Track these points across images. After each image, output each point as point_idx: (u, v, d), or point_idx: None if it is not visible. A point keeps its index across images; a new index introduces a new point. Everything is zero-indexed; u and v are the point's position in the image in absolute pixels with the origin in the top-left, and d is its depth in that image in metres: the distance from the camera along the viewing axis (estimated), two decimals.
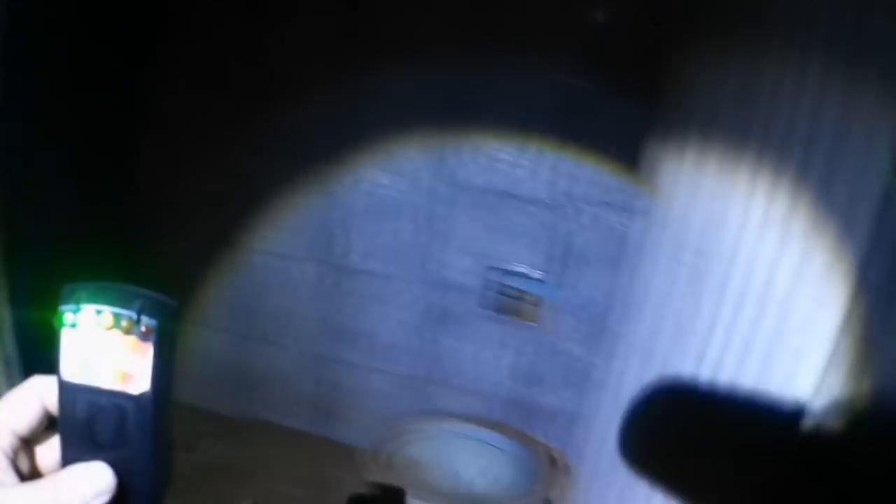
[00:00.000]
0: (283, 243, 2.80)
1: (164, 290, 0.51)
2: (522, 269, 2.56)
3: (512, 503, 2.12)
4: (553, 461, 2.35)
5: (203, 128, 2.70)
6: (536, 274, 2.55)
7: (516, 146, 2.43)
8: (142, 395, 0.50)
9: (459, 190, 2.53)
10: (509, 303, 2.64)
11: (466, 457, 2.56)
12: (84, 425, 0.50)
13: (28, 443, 0.53)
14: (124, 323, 0.48)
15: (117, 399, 0.50)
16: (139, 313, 0.49)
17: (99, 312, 0.49)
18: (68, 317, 0.49)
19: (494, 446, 2.51)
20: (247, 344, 3.00)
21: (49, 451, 0.54)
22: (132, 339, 0.49)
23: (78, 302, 0.48)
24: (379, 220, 2.65)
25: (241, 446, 2.90)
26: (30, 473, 0.52)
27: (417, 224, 2.62)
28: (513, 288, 2.61)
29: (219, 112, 2.66)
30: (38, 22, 2.13)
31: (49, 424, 0.53)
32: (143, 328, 0.49)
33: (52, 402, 0.51)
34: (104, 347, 0.49)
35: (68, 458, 0.51)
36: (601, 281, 2.48)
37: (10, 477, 0.49)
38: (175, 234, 2.86)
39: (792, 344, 0.77)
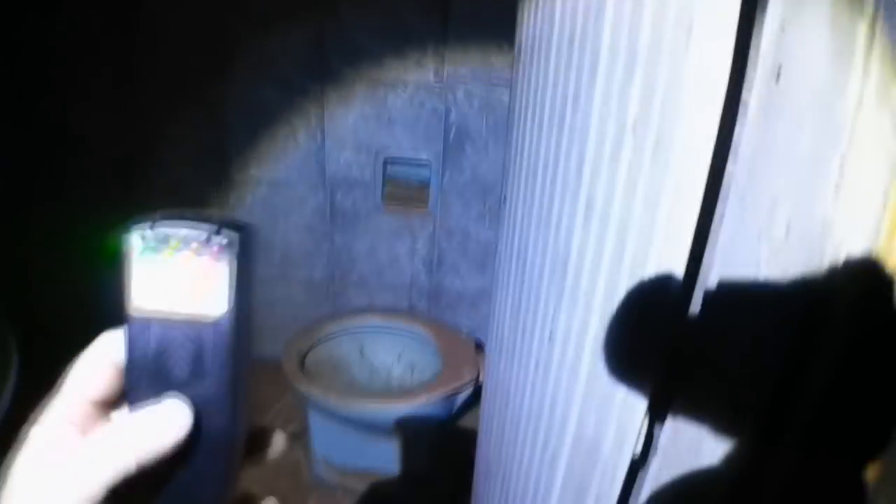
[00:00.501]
0: (178, 168, 2.67)
1: None
2: (409, 155, 2.52)
3: (426, 389, 2.13)
4: (462, 344, 2.37)
5: None
6: (422, 157, 2.51)
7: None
8: (219, 321, 0.45)
9: (333, 85, 2.45)
10: (400, 192, 2.61)
11: (381, 348, 2.57)
12: (155, 362, 0.45)
13: (106, 407, 0.47)
14: (197, 243, 0.44)
15: (192, 328, 0.45)
16: (213, 231, 0.44)
17: (168, 234, 0.44)
18: (135, 241, 0.44)
19: (406, 334, 2.52)
20: None
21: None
22: (206, 259, 0.44)
23: (144, 226, 0.43)
24: (265, 126, 2.55)
25: None
26: None
27: (301, 124, 2.53)
28: (401, 177, 2.58)
29: None
30: None
31: None
32: (217, 246, 0.44)
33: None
34: (176, 271, 0.44)
35: (137, 401, 0.46)
36: (487, 159, 2.47)
37: None
38: None
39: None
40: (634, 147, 0.79)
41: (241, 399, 0.47)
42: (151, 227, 0.43)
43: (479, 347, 2.39)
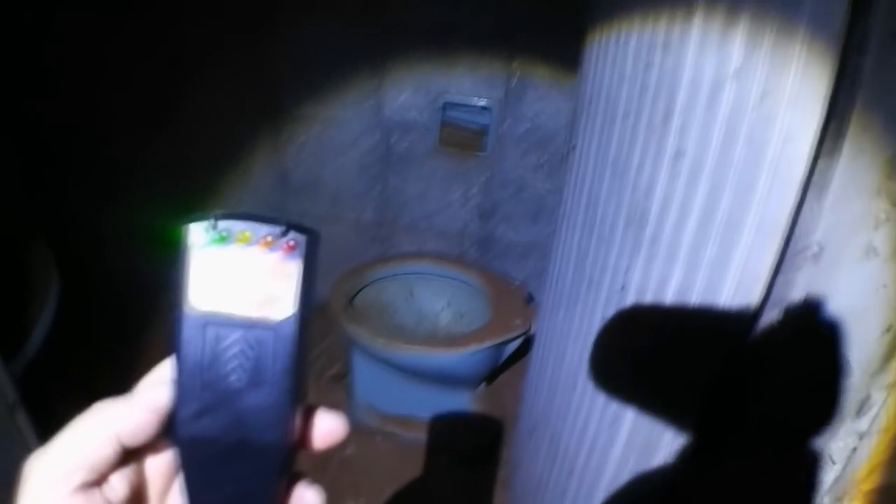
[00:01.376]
0: (224, 102, 2.65)
1: None
2: (468, 99, 2.48)
3: (475, 336, 2.12)
4: (512, 293, 2.35)
5: None
6: (481, 102, 2.47)
7: None
8: (284, 323, 0.42)
9: (395, 24, 2.40)
10: (457, 137, 2.57)
11: (429, 294, 2.56)
12: (211, 366, 0.42)
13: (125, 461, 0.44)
14: (266, 238, 0.41)
15: (254, 329, 0.42)
16: (281, 230, 0.41)
17: (236, 227, 0.41)
18: (198, 232, 0.41)
19: (456, 281, 2.50)
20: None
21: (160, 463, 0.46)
22: (275, 255, 0.42)
23: (207, 218, 0.41)
24: (322, 65, 2.52)
25: None
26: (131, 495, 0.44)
27: (360, 63, 2.50)
28: (459, 120, 2.54)
29: None
30: None
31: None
32: (289, 243, 0.42)
33: (125, 430, 0.42)
34: (241, 267, 0.41)
35: (187, 412, 0.42)
36: (549, 107, 2.43)
37: None
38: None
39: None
40: (736, 96, 0.75)
41: (298, 410, 0.44)
42: (216, 219, 0.41)
43: (529, 299, 2.37)
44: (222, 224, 0.41)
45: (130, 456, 0.44)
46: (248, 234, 0.41)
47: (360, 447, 2.35)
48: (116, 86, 2.61)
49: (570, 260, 1.45)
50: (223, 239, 0.41)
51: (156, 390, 0.43)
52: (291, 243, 0.42)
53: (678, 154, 0.86)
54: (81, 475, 0.40)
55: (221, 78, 2.57)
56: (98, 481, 0.42)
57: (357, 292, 2.39)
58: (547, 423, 1.53)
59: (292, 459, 0.45)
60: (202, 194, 2.87)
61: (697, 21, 0.85)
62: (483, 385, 2.42)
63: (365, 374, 2.35)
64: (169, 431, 0.43)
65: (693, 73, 0.85)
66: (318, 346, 2.77)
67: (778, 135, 0.67)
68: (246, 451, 0.43)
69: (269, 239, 0.41)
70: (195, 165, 2.77)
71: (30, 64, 2.56)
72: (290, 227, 0.41)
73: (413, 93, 2.48)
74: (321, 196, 2.79)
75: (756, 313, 0.73)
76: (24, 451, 1.28)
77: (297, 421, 0.44)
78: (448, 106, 2.49)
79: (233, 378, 0.42)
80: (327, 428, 0.47)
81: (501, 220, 2.69)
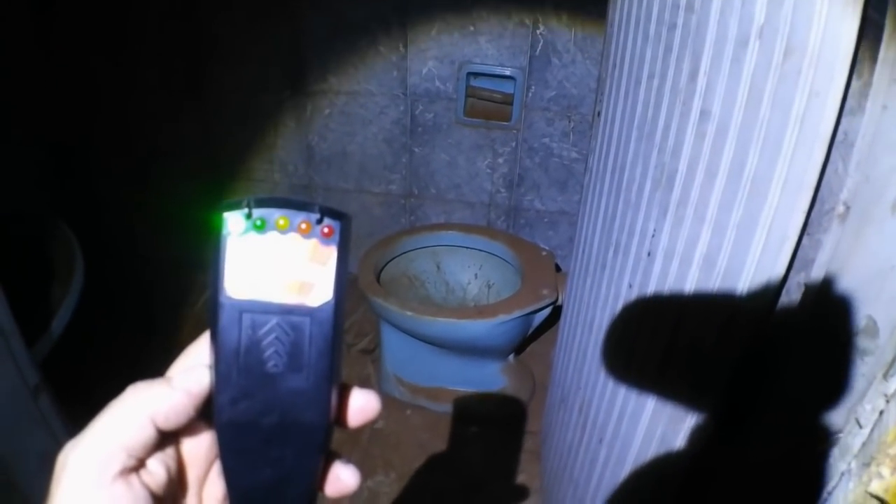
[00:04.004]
0: (245, 74, 2.66)
1: None
2: (493, 68, 2.46)
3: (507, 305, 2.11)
4: (542, 261, 2.34)
5: None
6: (506, 71, 2.45)
7: None
8: (321, 308, 0.42)
9: None
10: (483, 106, 2.56)
11: (458, 264, 2.56)
12: (247, 354, 0.42)
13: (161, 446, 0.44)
14: (303, 224, 0.41)
15: (292, 315, 0.42)
16: (317, 216, 0.41)
17: (273, 214, 0.41)
18: (235, 220, 0.41)
19: (484, 250, 2.50)
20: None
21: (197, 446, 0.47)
22: (312, 241, 0.42)
23: (245, 206, 0.41)
24: (344, 35, 2.51)
25: None
26: (167, 482, 0.44)
27: (382, 33, 2.48)
28: (483, 89, 2.52)
29: None
30: None
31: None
32: (325, 228, 0.42)
33: (162, 414, 0.42)
34: (278, 254, 0.41)
35: (225, 397, 0.43)
36: (575, 74, 2.40)
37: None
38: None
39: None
40: (760, 54, 0.74)
41: (334, 391, 0.45)
42: (252, 207, 0.41)
43: (558, 268, 2.36)
44: (258, 211, 0.41)
45: (167, 440, 0.44)
46: (285, 221, 0.41)
47: (390, 420, 2.37)
48: (141, 64, 2.62)
49: (597, 226, 1.44)
50: (260, 226, 0.41)
51: (193, 373, 0.43)
52: (327, 229, 0.42)
53: (704, 114, 0.85)
54: (121, 460, 0.40)
55: (246, 52, 2.57)
56: (136, 467, 0.42)
57: (385, 264, 2.40)
58: (577, 393, 1.53)
59: (329, 440, 0.45)
60: (228, 171, 2.88)
61: None
62: (513, 356, 2.42)
63: (394, 347, 2.36)
64: (209, 417, 0.44)
65: (717, 33, 0.84)
66: (348, 319, 2.78)
67: (802, 92, 0.66)
68: (285, 434, 0.44)
69: (306, 225, 0.41)
70: (221, 142, 2.79)
71: (52, 36, 2.57)
72: (325, 212, 0.42)
73: (437, 63, 2.47)
74: (347, 169, 2.79)
75: (784, 276, 0.72)
76: (48, 434, 1.31)
77: (334, 402, 0.45)
78: (473, 75, 2.48)
79: (270, 364, 0.43)
80: (361, 405, 0.47)
81: (529, 189, 2.68)
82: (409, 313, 2.09)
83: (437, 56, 2.46)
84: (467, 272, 2.56)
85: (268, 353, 0.42)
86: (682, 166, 0.91)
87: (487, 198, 2.74)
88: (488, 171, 2.67)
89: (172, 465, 0.45)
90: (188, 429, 0.45)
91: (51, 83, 2.62)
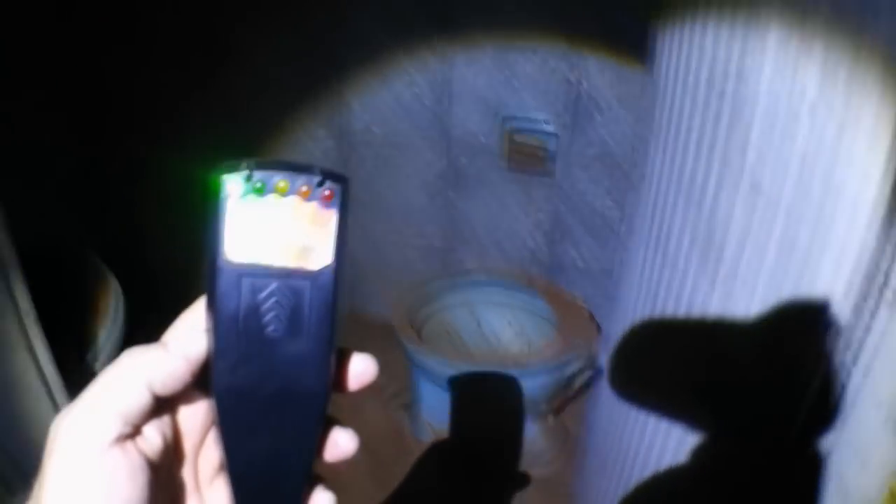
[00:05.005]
0: (294, 116, 2.70)
1: None
2: (535, 120, 2.48)
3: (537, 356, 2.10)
4: (578, 312, 2.33)
5: None
6: (549, 126, 2.47)
7: None
8: (322, 272, 0.42)
9: (462, 45, 2.42)
10: (524, 159, 2.57)
11: (493, 312, 2.56)
12: (247, 319, 0.42)
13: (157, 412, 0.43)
14: (303, 187, 0.41)
15: (292, 279, 0.42)
16: (317, 179, 0.41)
17: (273, 177, 0.41)
18: (234, 183, 0.40)
19: (520, 299, 2.49)
20: None
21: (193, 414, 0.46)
22: (312, 205, 0.41)
23: (243, 168, 0.40)
24: (387, 83, 2.55)
25: None
26: (163, 448, 0.44)
27: (426, 84, 2.52)
28: (526, 141, 2.54)
29: None
30: None
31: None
32: (326, 192, 0.41)
33: (158, 380, 0.41)
34: (278, 217, 0.41)
35: (224, 364, 0.42)
36: (617, 131, 2.41)
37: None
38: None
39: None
40: (812, 130, 0.73)
41: (334, 360, 0.44)
42: (252, 169, 0.40)
43: (597, 328, 2.34)
44: (258, 174, 0.40)
45: (163, 407, 0.44)
46: (285, 184, 0.41)
47: (422, 468, 2.35)
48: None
49: (640, 291, 1.43)
50: (260, 190, 0.41)
51: (189, 338, 0.43)
52: (328, 193, 0.41)
53: (754, 187, 0.85)
54: (117, 427, 0.40)
55: (290, 94, 2.62)
56: (132, 434, 0.41)
57: (420, 310, 2.41)
58: (616, 462, 1.51)
59: (328, 405, 0.45)
60: None
61: (770, 50, 0.84)
62: (551, 415, 2.40)
63: (427, 392, 2.35)
64: (204, 382, 0.43)
65: (767, 105, 0.84)
66: (380, 363, 2.77)
67: (855, 170, 0.66)
68: (285, 401, 0.44)
69: (306, 189, 0.41)
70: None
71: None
72: (326, 175, 0.41)
73: (480, 115, 2.50)
74: (387, 218, 2.81)
75: (829, 355, 0.71)
76: None
77: (333, 367, 0.45)
78: (515, 128, 2.49)
79: (270, 329, 0.42)
80: (360, 370, 0.47)
81: (568, 243, 2.67)
82: (440, 358, 2.09)
83: (481, 109, 2.48)
84: (503, 319, 2.56)
85: (267, 317, 0.42)
86: (732, 238, 0.91)
87: (526, 250, 2.74)
88: (528, 223, 2.68)
89: (168, 432, 0.44)
90: (184, 395, 0.44)
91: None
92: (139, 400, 0.41)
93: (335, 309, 0.43)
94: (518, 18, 2.34)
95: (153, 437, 0.43)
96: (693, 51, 1.16)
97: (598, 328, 2.34)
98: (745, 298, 0.86)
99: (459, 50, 2.42)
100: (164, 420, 0.44)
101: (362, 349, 0.47)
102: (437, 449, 2.40)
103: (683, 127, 1.20)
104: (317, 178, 0.41)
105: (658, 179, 1.36)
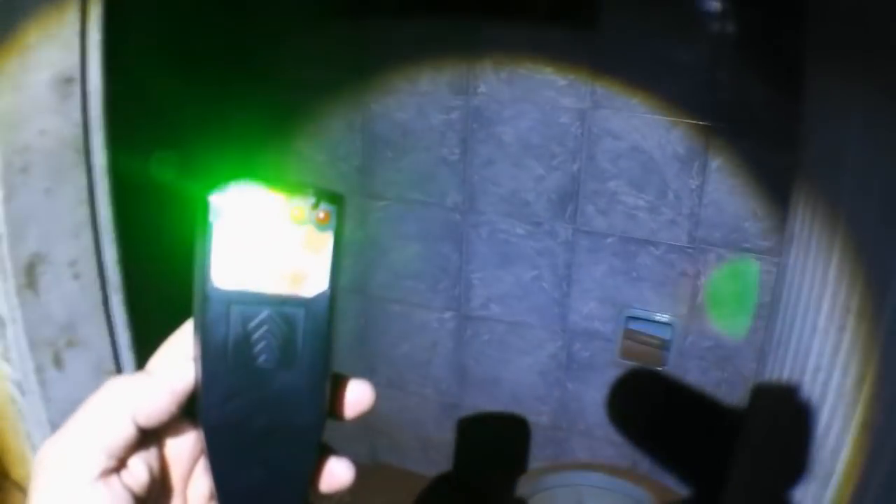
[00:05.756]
0: (410, 290, 2.83)
1: None
2: (650, 313, 2.53)
3: None
4: None
5: None
6: (665, 318, 2.50)
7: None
8: (316, 299, 0.40)
9: (585, 234, 2.52)
10: (639, 349, 2.60)
11: (594, 495, 2.53)
12: (237, 348, 0.40)
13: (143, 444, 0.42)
14: (297, 210, 0.39)
15: (285, 306, 0.40)
16: (312, 201, 0.39)
17: (263, 199, 0.39)
18: (222, 205, 0.39)
19: (625, 493, 2.46)
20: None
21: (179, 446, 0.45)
22: (307, 228, 0.39)
23: (234, 189, 0.39)
24: (508, 266, 2.65)
25: (367, 492, 2.88)
26: (149, 482, 0.42)
27: (545, 270, 2.61)
28: (641, 332, 2.57)
29: None
30: None
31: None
32: (320, 214, 0.39)
33: (143, 411, 0.40)
34: (270, 241, 0.39)
35: (213, 396, 0.40)
36: (732, 325, 2.42)
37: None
38: None
39: None
40: None
41: (329, 389, 0.43)
42: (241, 192, 0.39)
43: None
44: (248, 196, 0.39)
45: (149, 438, 0.42)
46: (277, 206, 0.39)
47: None
48: None
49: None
50: (252, 210, 0.39)
51: (176, 369, 0.41)
52: (323, 215, 0.39)
53: (865, 426, 0.88)
54: (100, 462, 0.39)
55: (413, 269, 2.75)
56: (117, 467, 0.40)
57: (527, 496, 2.40)
58: None
59: (322, 436, 0.44)
60: (384, 379, 3.01)
61: None
62: None
63: None
64: (192, 414, 0.42)
65: (885, 340, 0.88)
66: None
67: None
68: (277, 433, 0.42)
69: (300, 211, 0.39)
70: (376, 349, 2.96)
71: None
72: (320, 197, 0.40)
73: (598, 304, 2.56)
74: (498, 395, 2.87)
75: None
76: None
77: (327, 397, 0.43)
78: (631, 319, 2.54)
79: (261, 359, 0.40)
80: (357, 397, 0.46)
81: (678, 434, 2.65)
82: None
83: (599, 297, 2.55)
84: None
85: (258, 347, 0.40)
86: (839, 467, 0.93)
87: (636, 439, 2.72)
88: (638, 411, 2.67)
89: (155, 464, 0.43)
90: (171, 425, 0.43)
91: None
92: (123, 433, 0.40)
93: (331, 338, 0.41)
94: (640, 211, 2.43)
95: (139, 469, 0.42)
96: (814, 284, 1.21)
97: None
98: None
99: (583, 238, 2.53)
100: (151, 451, 0.43)
101: None
102: None
103: (802, 348, 1.23)
104: (311, 200, 0.39)
105: (773, 394, 1.38)
